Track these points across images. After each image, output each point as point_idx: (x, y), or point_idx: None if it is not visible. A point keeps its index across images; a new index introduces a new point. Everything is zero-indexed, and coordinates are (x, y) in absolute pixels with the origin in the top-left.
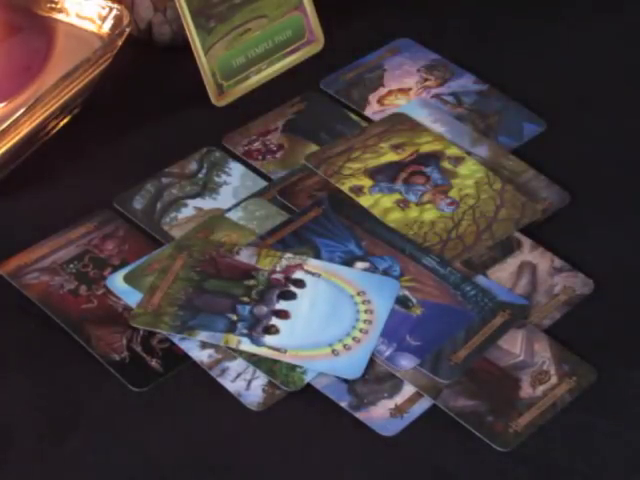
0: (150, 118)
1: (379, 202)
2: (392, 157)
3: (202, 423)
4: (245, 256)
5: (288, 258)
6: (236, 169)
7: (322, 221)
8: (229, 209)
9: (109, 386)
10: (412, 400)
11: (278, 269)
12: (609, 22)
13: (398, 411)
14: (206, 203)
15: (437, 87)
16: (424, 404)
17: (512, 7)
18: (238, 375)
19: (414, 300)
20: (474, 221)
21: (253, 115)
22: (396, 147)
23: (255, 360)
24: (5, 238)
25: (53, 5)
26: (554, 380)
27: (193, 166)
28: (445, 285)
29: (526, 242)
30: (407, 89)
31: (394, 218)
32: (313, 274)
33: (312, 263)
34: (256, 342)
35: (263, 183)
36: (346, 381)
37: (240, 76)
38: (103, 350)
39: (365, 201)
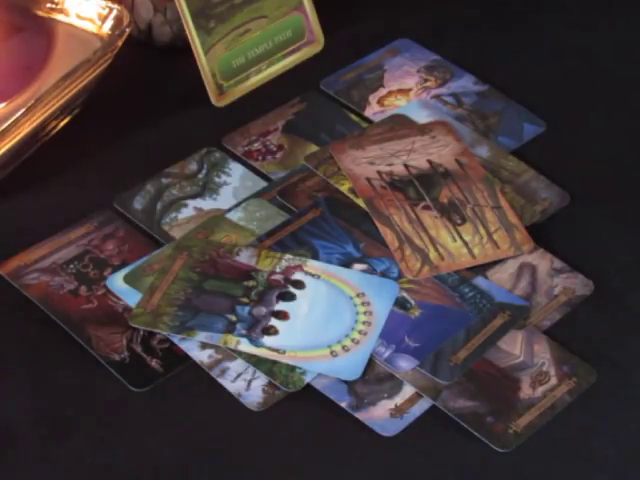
0: (150, 118)
1: None
2: None
3: (202, 423)
4: (245, 257)
5: (288, 259)
6: (236, 169)
7: (320, 223)
8: (229, 209)
9: (109, 386)
10: (412, 401)
11: (278, 270)
12: (609, 22)
13: (398, 411)
14: (206, 203)
15: (437, 88)
16: (424, 405)
17: (512, 7)
18: (238, 375)
19: (412, 302)
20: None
21: (253, 115)
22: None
23: (255, 361)
24: (5, 238)
25: (53, 5)
26: (554, 381)
27: (193, 166)
28: (443, 287)
29: None
30: (407, 90)
31: None
32: (313, 275)
33: (312, 264)
34: (255, 343)
35: (263, 183)
36: (346, 382)
37: (240, 76)
38: (103, 350)
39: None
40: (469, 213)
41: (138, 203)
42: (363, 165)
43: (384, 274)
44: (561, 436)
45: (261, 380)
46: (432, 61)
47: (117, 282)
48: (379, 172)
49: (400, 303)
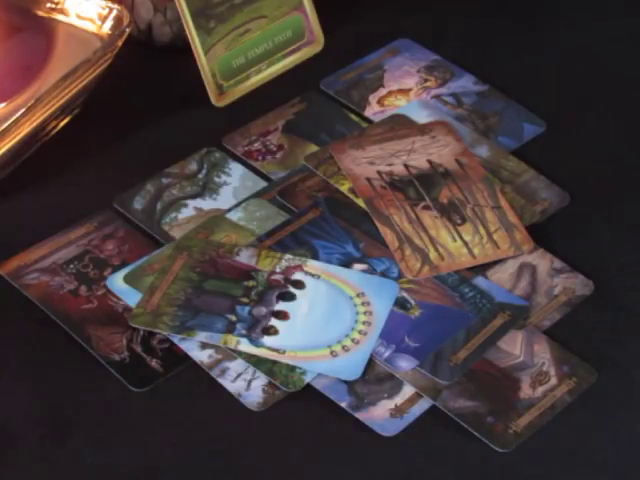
0: (150, 118)
1: None
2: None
3: (202, 423)
4: (245, 257)
5: (288, 259)
6: (236, 169)
7: (320, 223)
8: (229, 209)
9: (109, 386)
10: (412, 400)
11: (278, 270)
12: (609, 23)
13: (398, 411)
14: (206, 203)
15: (437, 88)
16: (424, 405)
17: (512, 8)
18: (238, 375)
19: (412, 302)
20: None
21: (253, 115)
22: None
23: (255, 361)
24: (5, 238)
25: (53, 5)
26: (554, 381)
27: (193, 166)
28: (443, 287)
29: None
30: (407, 90)
31: None
32: (313, 275)
33: (312, 264)
34: (255, 343)
35: (263, 183)
36: (346, 382)
37: (240, 76)
38: (103, 350)
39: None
40: (469, 213)
41: (138, 203)
42: (363, 165)
43: (384, 274)
44: (561, 436)
45: (261, 380)
46: (432, 61)
47: (117, 282)
48: (379, 172)
49: (400, 303)
